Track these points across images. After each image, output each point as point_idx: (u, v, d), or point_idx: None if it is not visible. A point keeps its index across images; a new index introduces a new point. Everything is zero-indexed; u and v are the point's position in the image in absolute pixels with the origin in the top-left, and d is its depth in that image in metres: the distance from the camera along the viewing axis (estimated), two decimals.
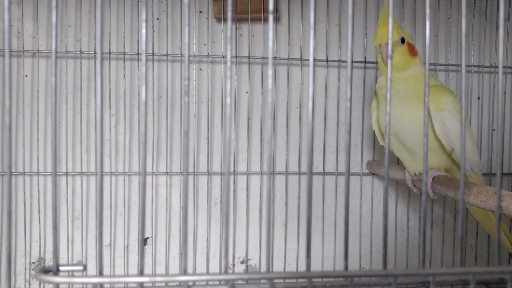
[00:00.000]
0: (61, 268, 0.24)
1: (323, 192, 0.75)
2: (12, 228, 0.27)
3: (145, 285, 0.24)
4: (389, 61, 0.29)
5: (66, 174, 0.70)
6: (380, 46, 0.53)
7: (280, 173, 0.74)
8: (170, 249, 0.72)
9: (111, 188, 0.71)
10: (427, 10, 0.28)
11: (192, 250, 0.72)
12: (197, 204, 0.73)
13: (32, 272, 0.70)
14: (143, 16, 0.25)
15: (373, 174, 0.76)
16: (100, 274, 0.23)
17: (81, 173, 0.70)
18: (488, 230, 0.65)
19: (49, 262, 0.70)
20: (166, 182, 0.72)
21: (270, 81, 0.26)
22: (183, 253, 0.24)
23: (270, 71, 0.26)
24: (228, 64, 0.26)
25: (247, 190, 0.74)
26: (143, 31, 0.25)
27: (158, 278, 0.23)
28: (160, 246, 0.73)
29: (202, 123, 0.73)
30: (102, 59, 0.26)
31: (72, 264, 0.24)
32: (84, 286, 0.27)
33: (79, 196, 0.70)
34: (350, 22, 0.27)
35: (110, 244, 0.72)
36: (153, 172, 0.71)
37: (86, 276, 0.23)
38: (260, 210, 0.73)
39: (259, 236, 0.73)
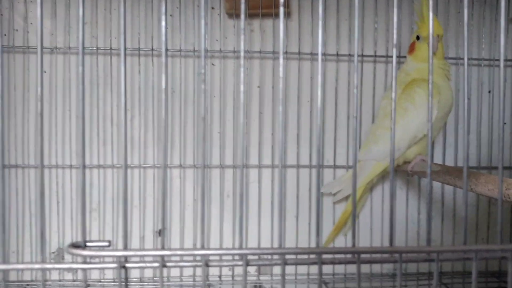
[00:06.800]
0: (88, 244, 0.25)
1: None
2: (44, 216, 0.29)
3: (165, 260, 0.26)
4: None
5: (83, 167, 0.72)
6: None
7: (291, 166, 0.76)
8: (184, 240, 0.74)
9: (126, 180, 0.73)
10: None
11: (206, 241, 0.74)
12: (210, 197, 0.75)
13: (52, 260, 0.73)
14: (163, 9, 0.27)
15: None
16: (125, 248, 0.25)
17: (98, 166, 0.72)
18: None
19: None
20: (180, 175, 0.74)
21: (281, 69, 0.28)
22: (201, 231, 0.26)
23: (281, 60, 0.27)
24: (242, 54, 0.28)
25: (258, 182, 0.75)
26: (163, 23, 0.27)
27: (178, 252, 0.25)
28: (175, 237, 0.74)
29: (214, 117, 0.75)
30: (125, 55, 0.28)
31: (98, 241, 0.26)
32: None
33: (96, 188, 0.73)
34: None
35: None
36: (167, 165, 0.73)
37: (112, 250, 0.25)
38: (272, 203, 0.75)
39: (271, 228, 0.75)
